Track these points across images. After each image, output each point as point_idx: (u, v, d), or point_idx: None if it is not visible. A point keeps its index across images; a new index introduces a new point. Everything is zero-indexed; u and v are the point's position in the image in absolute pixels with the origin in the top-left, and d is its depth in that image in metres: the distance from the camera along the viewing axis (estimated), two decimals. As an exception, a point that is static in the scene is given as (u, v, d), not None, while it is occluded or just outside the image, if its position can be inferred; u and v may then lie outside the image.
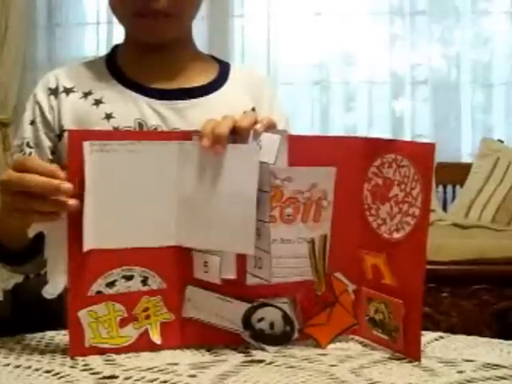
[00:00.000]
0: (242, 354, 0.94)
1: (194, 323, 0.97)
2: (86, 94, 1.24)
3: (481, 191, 3.40)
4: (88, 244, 0.91)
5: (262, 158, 0.91)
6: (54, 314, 1.23)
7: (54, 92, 1.25)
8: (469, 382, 0.85)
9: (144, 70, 1.25)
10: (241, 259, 0.95)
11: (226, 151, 0.92)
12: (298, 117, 3.95)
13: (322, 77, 3.95)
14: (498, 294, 2.70)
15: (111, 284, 0.94)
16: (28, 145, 1.24)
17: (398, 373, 0.88)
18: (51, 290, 0.94)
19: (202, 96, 1.26)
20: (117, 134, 1.06)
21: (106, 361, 0.91)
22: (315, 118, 3.97)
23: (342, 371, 0.87)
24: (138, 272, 0.95)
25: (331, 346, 0.98)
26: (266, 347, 0.96)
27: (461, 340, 1.03)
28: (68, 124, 1.22)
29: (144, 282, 0.95)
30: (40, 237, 0.97)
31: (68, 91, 1.24)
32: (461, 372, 0.88)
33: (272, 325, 0.97)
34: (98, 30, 4.02)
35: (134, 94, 1.23)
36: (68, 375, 0.85)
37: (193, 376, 0.85)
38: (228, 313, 0.96)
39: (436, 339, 1.03)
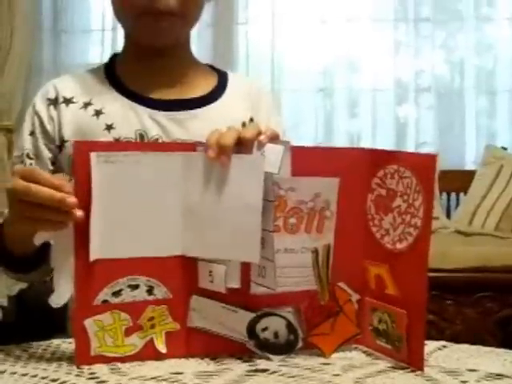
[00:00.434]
0: (246, 364, 0.95)
1: (199, 332, 0.98)
2: (86, 105, 1.23)
3: (484, 198, 3.40)
4: (94, 253, 0.92)
5: (266, 168, 0.92)
6: (58, 320, 1.24)
7: (53, 102, 1.24)
8: (472, 391, 0.85)
9: (143, 78, 1.25)
10: (245, 268, 0.95)
11: (231, 161, 0.92)
12: (302, 123, 3.96)
13: (326, 83, 3.95)
14: (502, 302, 2.70)
15: (117, 293, 0.95)
16: (28, 156, 1.24)
17: (402, 382, 0.89)
18: (57, 299, 0.94)
19: (202, 106, 1.26)
20: (122, 145, 1.08)
21: (112, 369, 0.92)
22: (319, 124, 3.97)
23: (346, 381, 0.88)
24: (143, 281, 0.96)
25: (335, 355, 0.99)
26: (271, 356, 0.96)
27: (464, 349, 1.03)
28: (68, 135, 1.22)
29: (149, 291, 0.96)
30: (46, 246, 0.99)
31: (68, 101, 1.24)
32: (464, 382, 0.88)
33: (276, 334, 0.97)
34: (103, 36, 4.03)
35: (133, 104, 1.23)
36: (74, 384, 0.86)
37: (197, 385, 0.86)
38: (233, 322, 0.97)
39: (439, 348, 1.03)
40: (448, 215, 3.66)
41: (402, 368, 0.94)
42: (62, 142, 1.22)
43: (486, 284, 2.71)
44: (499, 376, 0.91)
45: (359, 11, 3.90)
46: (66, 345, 1.00)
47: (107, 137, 1.19)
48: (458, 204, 3.71)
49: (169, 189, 0.95)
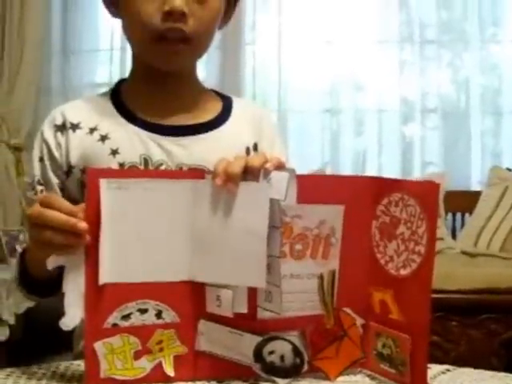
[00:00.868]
0: (252, 387, 0.96)
1: (207, 356, 0.99)
2: (92, 130, 1.24)
3: (489, 220, 3.41)
4: (104, 278, 0.94)
5: (273, 195, 0.94)
6: (64, 339, 1.26)
7: (60, 128, 1.25)
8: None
9: (150, 103, 1.26)
10: (252, 293, 0.97)
11: (238, 189, 0.94)
12: (308, 143, 3.98)
13: (332, 103, 3.98)
14: (507, 324, 2.70)
15: (126, 317, 0.96)
16: (39, 182, 1.25)
17: (405, 407, 0.90)
18: (68, 322, 0.96)
19: (207, 132, 1.27)
20: (133, 172, 1.10)
21: (121, 392, 0.93)
22: (325, 144, 4.00)
23: (350, 404, 0.90)
24: (152, 305, 0.97)
25: (340, 378, 1.00)
26: (277, 380, 0.98)
27: (467, 373, 1.04)
28: (75, 160, 1.23)
29: (158, 315, 0.98)
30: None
31: (75, 127, 1.25)
32: (466, 406, 0.90)
33: (282, 357, 0.99)
34: (112, 55, 4.06)
35: (138, 129, 1.24)
36: (84, 406, 0.88)
37: (204, 408, 0.87)
38: (240, 346, 0.99)
39: (443, 372, 1.04)
40: (453, 235, 3.67)
41: (406, 392, 0.95)
42: (70, 167, 1.23)
43: (490, 305, 2.70)
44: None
45: (365, 32, 3.94)
46: (75, 367, 1.02)
47: (112, 161, 1.20)
48: (463, 224, 3.72)
49: (177, 215, 0.97)
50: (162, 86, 1.27)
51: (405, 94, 3.94)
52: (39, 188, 1.25)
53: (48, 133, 1.26)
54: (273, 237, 0.94)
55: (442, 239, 3.30)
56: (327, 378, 1.00)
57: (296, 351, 0.99)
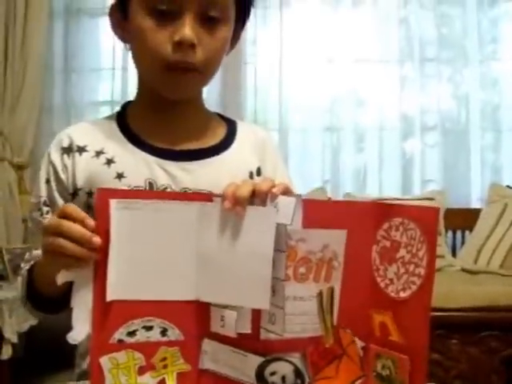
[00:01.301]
0: (254, 407, 0.98)
1: (210, 375, 1.01)
2: (98, 153, 1.25)
3: (489, 237, 3.42)
4: (111, 295, 0.96)
5: (279, 219, 0.96)
6: (66, 356, 1.27)
7: (67, 151, 1.26)
8: None
9: (155, 128, 1.27)
10: (256, 315, 0.99)
11: (245, 212, 0.97)
12: (308, 161, 3.99)
13: (332, 121, 4.00)
14: (507, 341, 2.71)
15: (132, 333, 0.98)
16: (45, 203, 1.26)
17: (405, 426, 0.92)
18: (75, 336, 0.98)
19: (212, 156, 1.28)
20: (142, 194, 1.12)
21: (126, 408, 0.95)
22: (326, 161, 4.01)
23: (352, 425, 0.91)
24: (157, 323, 0.99)
25: (341, 398, 1.02)
26: (278, 400, 0.99)
27: (466, 393, 1.06)
28: (81, 183, 1.23)
29: (163, 332, 1.00)
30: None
31: (81, 150, 1.25)
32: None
33: (284, 378, 1.00)
34: (114, 74, 4.07)
35: (144, 153, 1.25)
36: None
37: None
38: (242, 366, 1.00)
39: (442, 392, 1.06)
40: (454, 253, 3.68)
41: (405, 412, 0.96)
42: (76, 189, 1.24)
43: (490, 323, 2.72)
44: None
45: (365, 50, 3.97)
46: (81, 384, 1.04)
47: (117, 185, 1.21)
48: (463, 242, 3.73)
49: (185, 236, 1.00)
50: (169, 112, 1.28)
51: (405, 111, 3.96)
52: (45, 209, 1.26)
53: (55, 155, 1.26)
54: (278, 260, 0.96)
55: (442, 257, 3.31)
56: (328, 398, 1.01)
57: (297, 372, 1.00)
